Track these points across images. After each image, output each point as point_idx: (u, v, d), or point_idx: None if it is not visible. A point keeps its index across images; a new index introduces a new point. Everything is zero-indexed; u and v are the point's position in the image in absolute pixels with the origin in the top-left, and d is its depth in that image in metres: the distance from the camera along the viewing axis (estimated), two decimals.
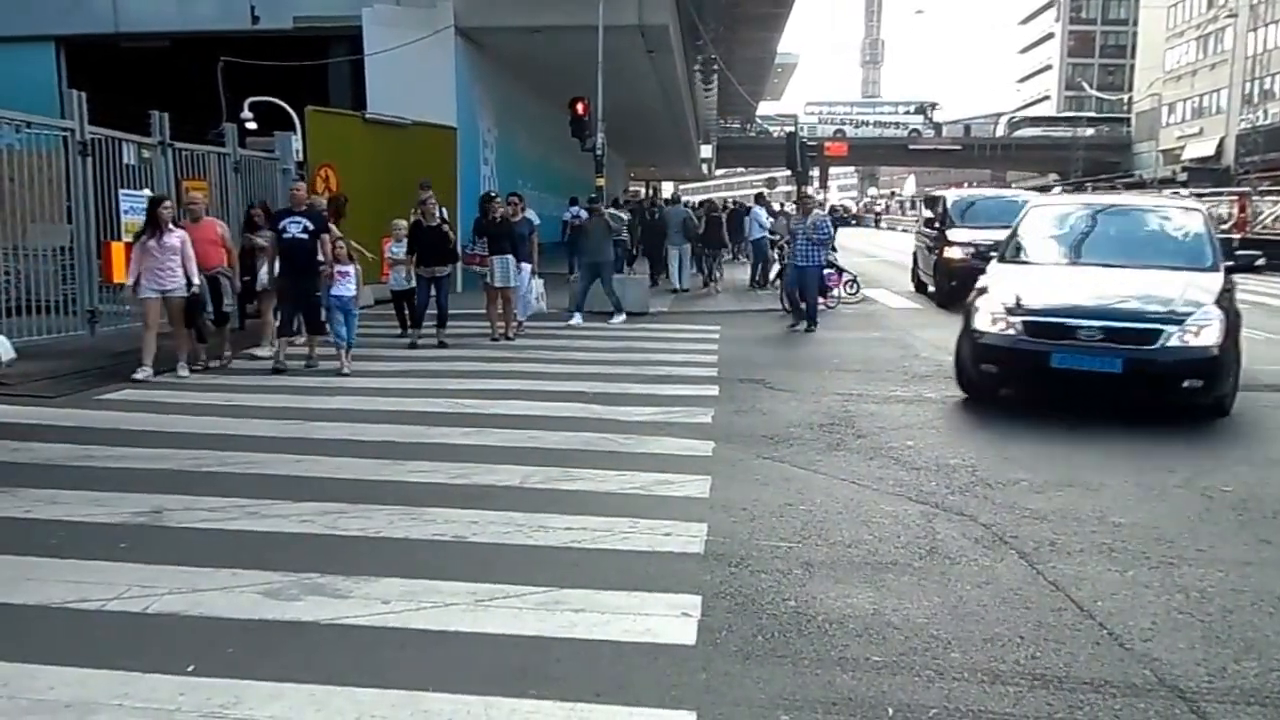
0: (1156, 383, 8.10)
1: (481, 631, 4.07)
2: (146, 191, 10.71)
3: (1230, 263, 9.24)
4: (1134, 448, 7.42)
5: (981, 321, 8.76)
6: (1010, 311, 8.57)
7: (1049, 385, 8.69)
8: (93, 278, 11.29)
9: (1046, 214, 11.00)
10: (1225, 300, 8.47)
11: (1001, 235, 10.83)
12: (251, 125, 17.97)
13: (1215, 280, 8.73)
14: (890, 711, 3.49)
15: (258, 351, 11.24)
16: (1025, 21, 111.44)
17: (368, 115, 17.31)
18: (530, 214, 15.60)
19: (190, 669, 3.66)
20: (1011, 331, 8.46)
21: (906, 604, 4.43)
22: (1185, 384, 7.97)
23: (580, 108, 19.02)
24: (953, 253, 16.93)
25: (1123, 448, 7.40)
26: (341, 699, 3.50)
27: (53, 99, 15.54)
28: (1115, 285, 8.76)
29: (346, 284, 10.49)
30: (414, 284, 12.62)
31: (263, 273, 11.26)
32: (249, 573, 4.60)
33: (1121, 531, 5.48)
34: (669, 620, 4.20)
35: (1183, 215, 10.09)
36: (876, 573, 4.83)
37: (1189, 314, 8.10)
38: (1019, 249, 10.07)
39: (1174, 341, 7.96)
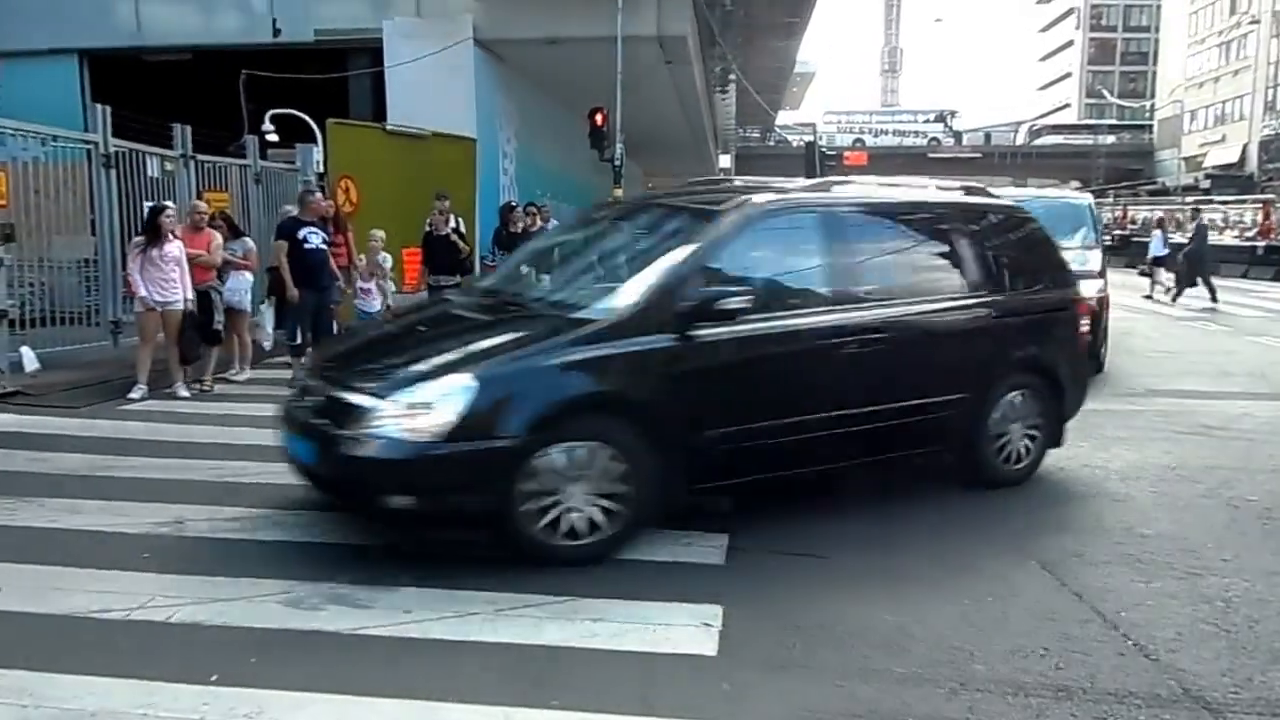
0: (353, 492, 5.06)
1: (502, 641, 4.07)
2: (169, 204, 10.63)
3: (688, 308, 5.19)
4: (1161, 459, 7.36)
5: None
6: None
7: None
8: (116, 289, 11.35)
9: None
10: (548, 367, 4.96)
11: None
12: (273, 137, 18.05)
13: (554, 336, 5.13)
14: None
15: (233, 375, 10.49)
16: (1045, 29, 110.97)
17: (388, 127, 17.37)
18: (555, 225, 15.57)
19: (213, 679, 3.67)
20: None
21: (928, 615, 4.40)
22: (390, 500, 4.80)
23: (599, 118, 19.08)
24: None
25: (1150, 459, 7.35)
26: (363, 709, 3.51)
27: (77, 112, 15.68)
28: (465, 332, 5.62)
29: (372, 300, 10.45)
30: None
31: (229, 289, 10.42)
32: (270, 582, 4.62)
33: (1147, 542, 5.44)
34: (690, 630, 4.20)
35: (687, 224, 5.94)
36: (898, 583, 4.81)
37: (415, 383, 4.88)
38: None
39: (382, 426, 4.76)
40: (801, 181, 7.03)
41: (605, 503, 4.95)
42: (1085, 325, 7.11)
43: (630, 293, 5.33)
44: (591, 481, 4.92)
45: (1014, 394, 6.44)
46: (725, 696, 3.65)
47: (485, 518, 4.87)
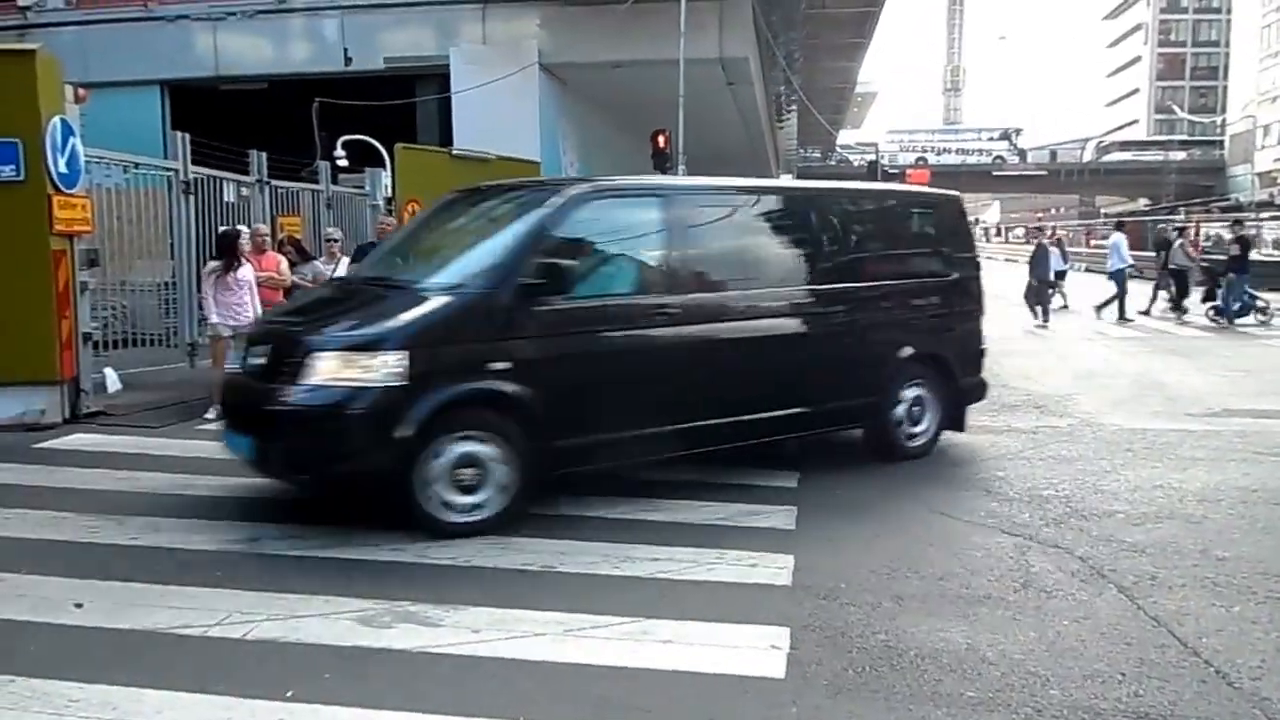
0: None
1: (570, 661, 4.09)
2: (243, 228, 10.83)
3: None
4: (1239, 480, 7.17)
5: None
6: None
7: None
8: (193, 312, 11.62)
9: None
10: None
11: None
12: (343, 162, 18.44)
13: None
14: None
15: None
16: (1113, 45, 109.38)
17: (454, 151, 17.64)
18: None
19: (289, 695, 3.74)
20: None
21: (1001, 639, 4.34)
22: None
23: (661, 140, 19.21)
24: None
25: (1227, 480, 7.16)
26: None
27: (158, 140, 16.15)
28: None
29: None
30: None
31: None
32: (343, 600, 4.69)
33: (1226, 566, 5.30)
34: (757, 653, 4.18)
35: None
36: (969, 606, 4.74)
37: None
38: None
39: None
40: None
41: None
42: None
43: None
44: None
45: None
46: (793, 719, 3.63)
47: None
